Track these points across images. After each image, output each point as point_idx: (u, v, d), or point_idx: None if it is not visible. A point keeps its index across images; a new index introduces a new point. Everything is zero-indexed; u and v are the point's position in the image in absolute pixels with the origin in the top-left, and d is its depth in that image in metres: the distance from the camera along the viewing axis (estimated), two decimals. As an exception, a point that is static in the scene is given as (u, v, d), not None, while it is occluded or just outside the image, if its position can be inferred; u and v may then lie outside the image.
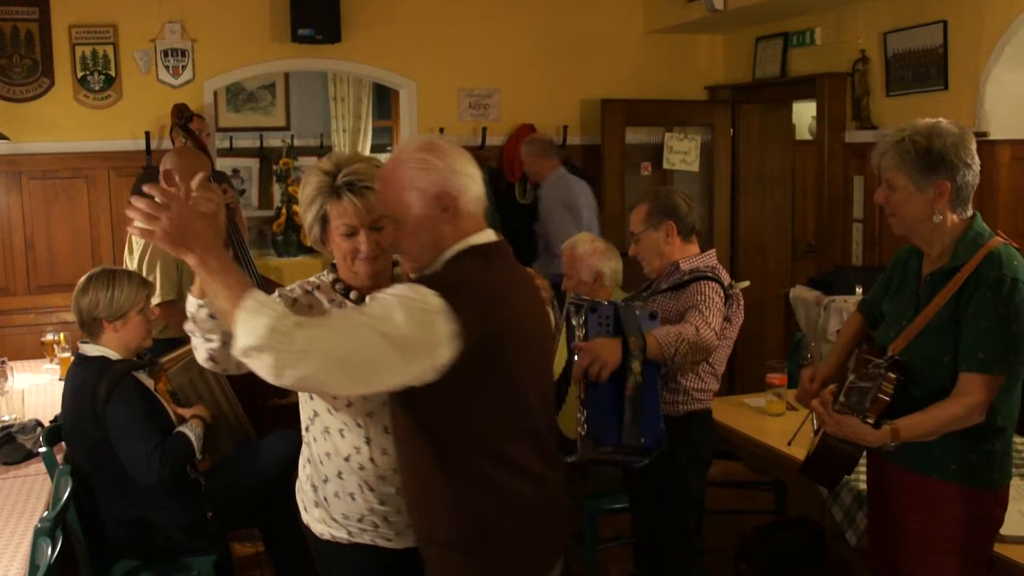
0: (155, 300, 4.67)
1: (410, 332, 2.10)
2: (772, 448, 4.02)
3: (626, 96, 7.47)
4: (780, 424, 4.19)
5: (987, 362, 2.67)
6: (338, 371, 2.09)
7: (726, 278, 3.77)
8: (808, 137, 8.05)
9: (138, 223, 2.15)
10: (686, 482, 3.79)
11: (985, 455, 2.78)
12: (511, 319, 2.31)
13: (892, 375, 2.80)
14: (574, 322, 3.44)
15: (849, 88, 6.46)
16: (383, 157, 12.06)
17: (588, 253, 4.43)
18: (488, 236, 2.38)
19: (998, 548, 2.95)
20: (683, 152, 7.56)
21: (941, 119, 2.83)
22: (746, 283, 3.98)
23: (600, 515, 4.45)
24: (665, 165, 7.58)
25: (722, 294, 3.67)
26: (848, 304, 5.84)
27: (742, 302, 3.85)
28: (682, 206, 3.82)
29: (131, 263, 4.83)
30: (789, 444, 3.88)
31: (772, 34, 7.19)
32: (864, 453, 3.06)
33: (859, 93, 6.36)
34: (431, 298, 2.14)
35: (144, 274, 4.72)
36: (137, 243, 4.80)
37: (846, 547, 3.63)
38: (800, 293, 6.35)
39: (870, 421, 2.77)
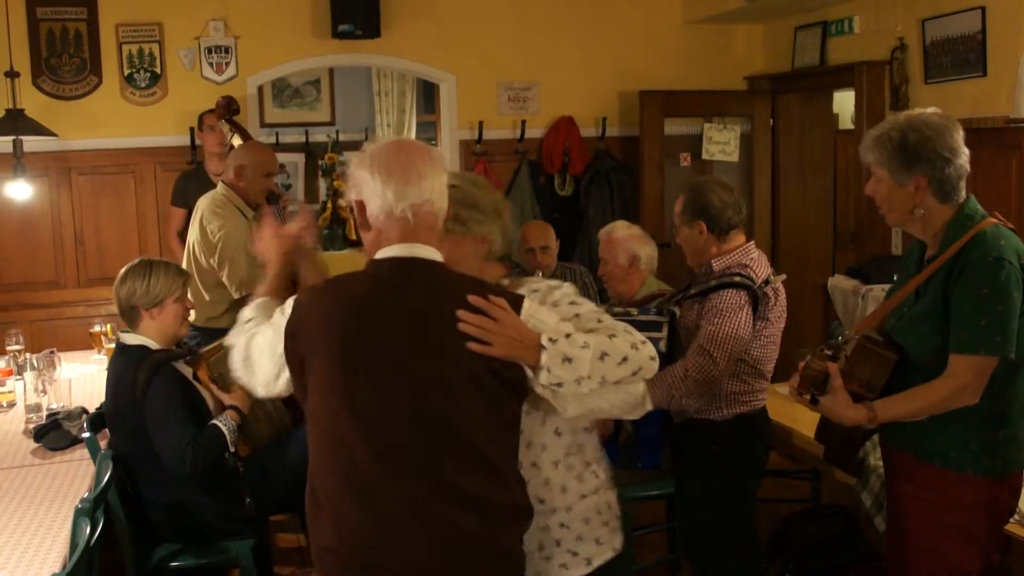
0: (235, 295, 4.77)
1: None
2: (803, 436, 4.04)
3: (665, 87, 7.45)
4: (810, 412, 4.13)
5: (971, 342, 2.63)
6: None
7: (761, 274, 3.61)
8: (852, 126, 8.00)
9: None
10: (741, 482, 3.73)
11: (988, 443, 2.73)
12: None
13: (827, 352, 2.84)
14: None
15: (888, 76, 6.41)
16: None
17: (626, 238, 4.61)
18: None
19: (1017, 530, 2.96)
20: (723, 143, 7.54)
21: (924, 110, 2.82)
22: (783, 276, 3.87)
23: (636, 502, 4.44)
24: (704, 156, 7.55)
25: (746, 300, 3.54)
26: (884, 293, 5.82)
27: (782, 295, 3.70)
28: (715, 203, 3.63)
29: (204, 260, 4.91)
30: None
31: (811, 23, 7.15)
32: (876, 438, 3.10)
33: (898, 81, 6.32)
34: None
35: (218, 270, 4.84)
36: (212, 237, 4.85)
37: (880, 534, 3.64)
38: (838, 282, 6.33)
39: (806, 397, 2.83)
